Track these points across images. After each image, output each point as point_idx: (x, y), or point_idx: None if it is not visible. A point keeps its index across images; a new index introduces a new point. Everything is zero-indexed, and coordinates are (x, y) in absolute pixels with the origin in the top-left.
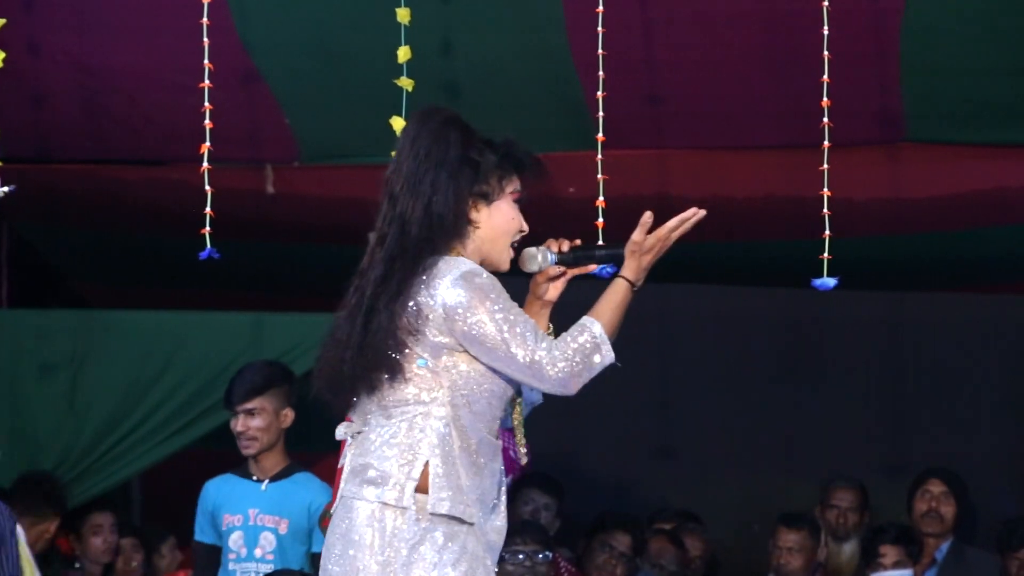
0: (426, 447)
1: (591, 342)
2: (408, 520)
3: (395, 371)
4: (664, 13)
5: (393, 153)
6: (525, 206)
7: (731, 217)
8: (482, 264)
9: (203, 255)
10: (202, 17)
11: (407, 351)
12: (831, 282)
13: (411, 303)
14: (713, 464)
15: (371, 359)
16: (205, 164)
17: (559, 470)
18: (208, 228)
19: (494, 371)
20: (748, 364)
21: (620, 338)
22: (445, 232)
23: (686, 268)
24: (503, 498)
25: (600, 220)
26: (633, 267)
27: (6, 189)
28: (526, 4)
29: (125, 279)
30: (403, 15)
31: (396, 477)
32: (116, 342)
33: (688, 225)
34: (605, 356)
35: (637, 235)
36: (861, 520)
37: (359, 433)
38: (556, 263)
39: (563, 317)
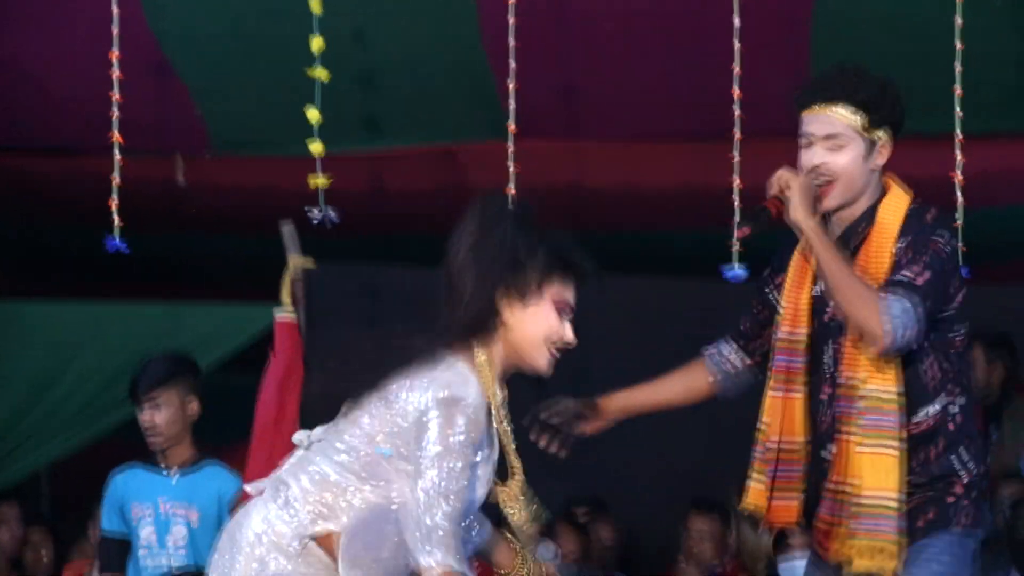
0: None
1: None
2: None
3: (363, 428)
4: (578, 3)
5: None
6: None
7: (645, 207)
8: (517, 365)
9: (110, 247)
10: (111, 7)
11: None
12: (742, 272)
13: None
14: (631, 451)
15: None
16: (116, 154)
17: None
18: (116, 219)
19: None
20: (662, 353)
21: None
22: (466, 328)
23: (604, 258)
24: None
25: None
26: None
27: None
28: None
29: (33, 270)
30: (316, 5)
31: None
32: (23, 333)
33: None
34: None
35: None
36: None
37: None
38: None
39: None
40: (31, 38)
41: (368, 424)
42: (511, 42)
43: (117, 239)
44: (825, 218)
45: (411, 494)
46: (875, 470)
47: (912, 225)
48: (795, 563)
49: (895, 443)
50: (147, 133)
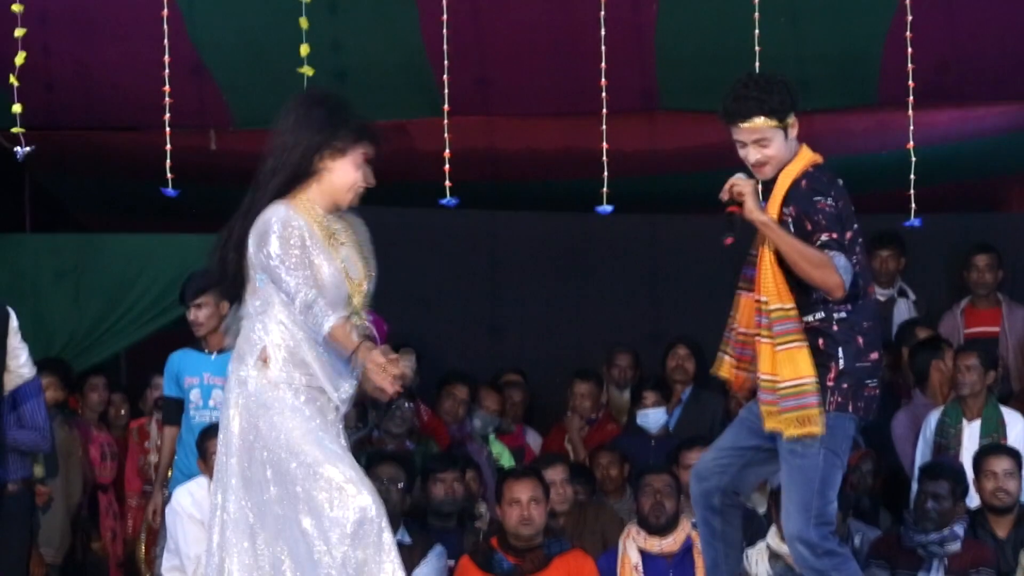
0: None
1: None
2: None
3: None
4: (488, 21)
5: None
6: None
7: (541, 164)
8: (332, 203)
9: (166, 194)
10: (163, 25)
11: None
12: (608, 208)
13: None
14: (530, 338)
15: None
16: (167, 128)
17: (417, 347)
18: (169, 174)
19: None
20: (554, 268)
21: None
22: (294, 176)
23: (512, 201)
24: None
25: (447, 166)
26: None
27: (27, 149)
28: (390, 13)
29: (112, 211)
30: (303, 22)
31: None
32: (106, 257)
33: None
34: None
35: None
36: (634, 375)
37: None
38: None
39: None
40: (103, 46)
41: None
42: (444, 47)
43: (170, 189)
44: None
45: (278, 296)
46: (793, 362)
47: (794, 195)
48: (648, 412)
49: (800, 337)
50: (188, 114)
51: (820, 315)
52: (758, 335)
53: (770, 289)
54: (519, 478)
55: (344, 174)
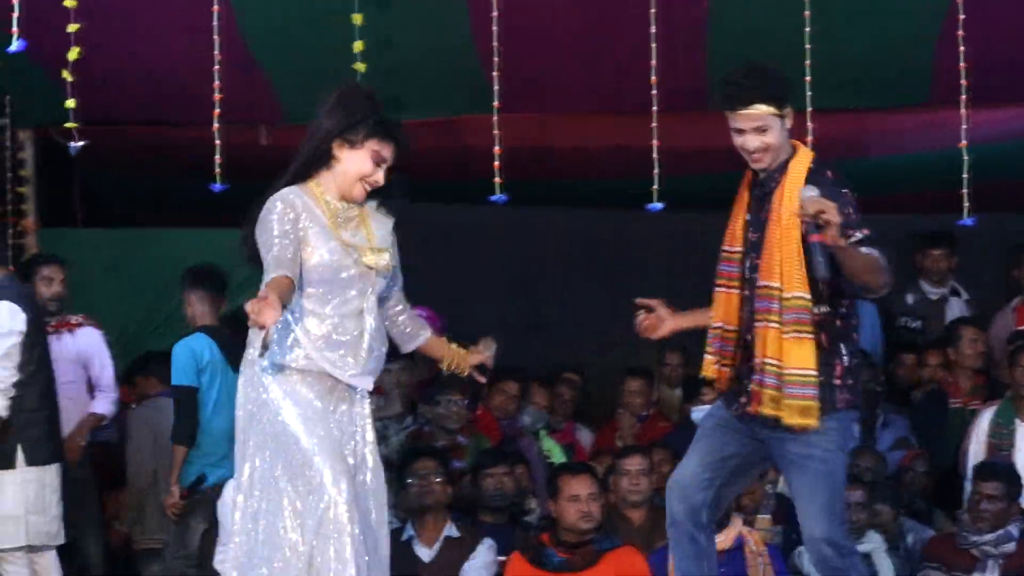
0: None
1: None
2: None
3: None
4: (537, 18)
5: None
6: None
7: (591, 161)
8: (341, 192)
9: (215, 189)
10: (214, 20)
11: None
12: (659, 206)
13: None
14: (580, 335)
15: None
16: (215, 124)
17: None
18: (219, 169)
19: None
20: (605, 265)
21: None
22: (309, 161)
23: (562, 198)
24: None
25: (497, 162)
26: None
27: (80, 144)
28: (440, 10)
29: (160, 207)
30: (357, 19)
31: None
32: (155, 251)
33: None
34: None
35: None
36: (685, 372)
37: None
38: None
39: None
40: (154, 42)
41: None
42: (494, 44)
43: (218, 184)
44: (756, 173)
45: None
46: (800, 351)
47: (818, 179)
48: (704, 408)
49: (810, 329)
50: (239, 109)
51: (825, 308)
52: (764, 321)
53: (790, 277)
54: (576, 474)
55: (352, 164)
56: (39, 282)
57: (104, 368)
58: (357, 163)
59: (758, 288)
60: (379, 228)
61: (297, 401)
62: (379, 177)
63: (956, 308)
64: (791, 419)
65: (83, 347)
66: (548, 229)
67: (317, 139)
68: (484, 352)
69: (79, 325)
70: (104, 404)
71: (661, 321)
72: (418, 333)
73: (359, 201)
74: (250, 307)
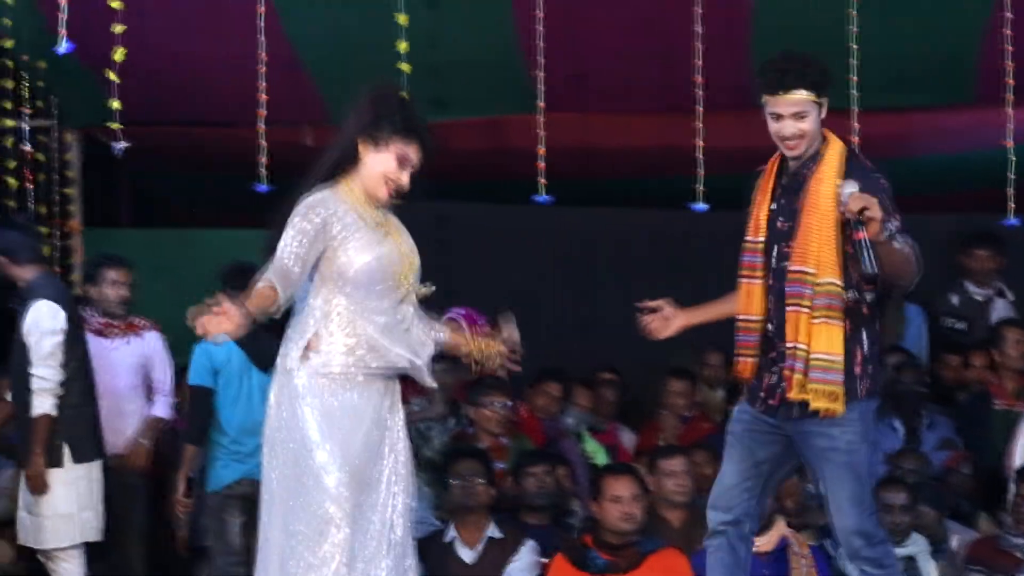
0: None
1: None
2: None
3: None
4: (582, 16)
5: None
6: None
7: (635, 161)
8: (367, 193)
9: (260, 190)
10: (259, 20)
11: None
12: (703, 206)
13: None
14: (623, 336)
15: None
16: (261, 125)
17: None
18: (264, 170)
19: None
20: (648, 266)
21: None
22: (338, 162)
23: (606, 198)
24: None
25: (540, 163)
26: None
27: (125, 144)
28: (485, 9)
29: (205, 208)
30: (403, 19)
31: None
32: (201, 251)
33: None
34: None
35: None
36: (726, 373)
37: None
38: None
39: None
40: (199, 43)
41: None
42: (539, 43)
43: (263, 184)
44: (782, 162)
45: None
46: (829, 336)
47: (854, 168)
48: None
49: (840, 315)
50: (284, 109)
51: (852, 295)
52: (796, 305)
53: (825, 263)
54: (619, 475)
55: (376, 164)
56: (105, 285)
57: (166, 372)
58: (381, 163)
59: (790, 274)
60: (404, 234)
61: (329, 416)
62: (404, 178)
63: (1001, 309)
64: (817, 403)
65: (149, 350)
66: (594, 228)
67: (344, 140)
68: (504, 331)
69: (144, 328)
70: (164, 407)
71: (668, 320)
72: (428, 340)
73: (383, 202)
74: (194, 316)
